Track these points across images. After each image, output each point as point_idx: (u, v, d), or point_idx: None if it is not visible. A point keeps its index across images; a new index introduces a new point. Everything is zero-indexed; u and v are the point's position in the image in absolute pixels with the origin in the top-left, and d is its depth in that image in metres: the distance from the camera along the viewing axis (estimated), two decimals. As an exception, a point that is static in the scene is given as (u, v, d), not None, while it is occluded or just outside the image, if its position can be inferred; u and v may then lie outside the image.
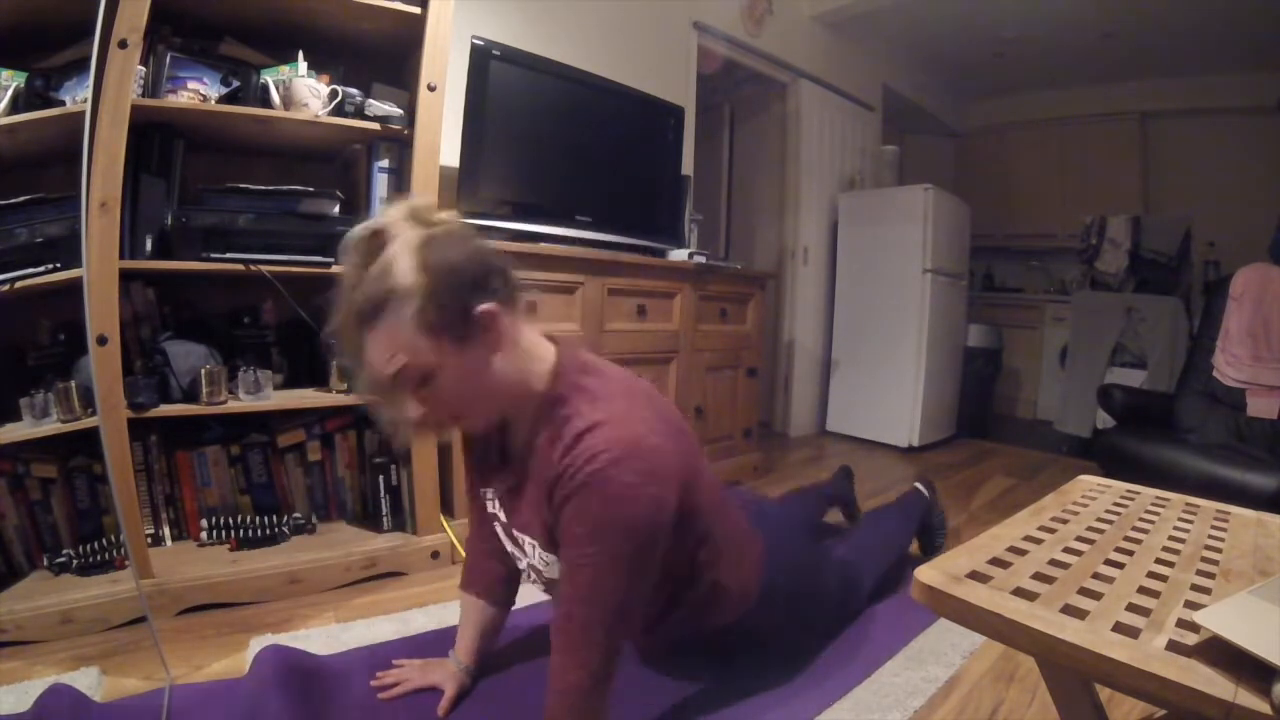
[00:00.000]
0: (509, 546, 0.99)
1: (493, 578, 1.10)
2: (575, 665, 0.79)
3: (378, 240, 0.75)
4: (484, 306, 0.77)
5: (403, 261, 0.73)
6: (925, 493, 1.76)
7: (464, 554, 1.16)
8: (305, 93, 1.44)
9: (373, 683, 1.09)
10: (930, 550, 1.71)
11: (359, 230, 0.76)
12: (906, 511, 1.66)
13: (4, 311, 1.38)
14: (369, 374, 0.77)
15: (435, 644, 1.20)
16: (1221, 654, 0.52)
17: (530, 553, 0.93)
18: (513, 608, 1.14)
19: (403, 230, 0.75)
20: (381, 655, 1.18)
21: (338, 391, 1.56)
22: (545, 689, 0.82)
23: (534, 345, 0.87)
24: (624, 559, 0.77)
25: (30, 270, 1.24)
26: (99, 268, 1.20)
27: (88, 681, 1.04)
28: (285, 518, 1.56)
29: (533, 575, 0.98)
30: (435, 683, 1.09)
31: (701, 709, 1.06)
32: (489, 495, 1.00)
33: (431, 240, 0.75)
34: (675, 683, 1.11)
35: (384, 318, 0.73)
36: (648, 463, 0.77)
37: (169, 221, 1.36)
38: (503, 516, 0.97)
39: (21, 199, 1.28)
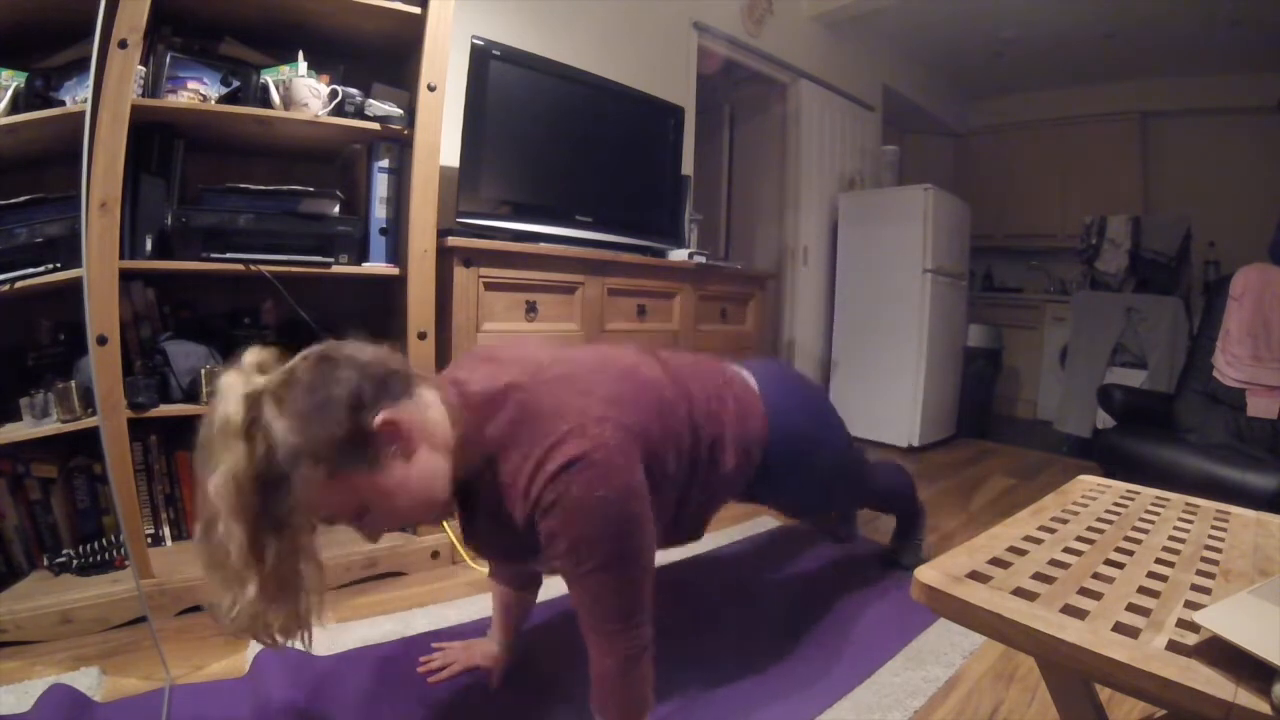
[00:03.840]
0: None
1: (515, 571, 1.13)
2: (604, 653, 0.82)
3: (239, 421, 0.65)
4: (378, 419, 0.71)
5: (276, 427, 0.65)
6: (921, 508, 1.74)
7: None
8: (305, 93, 1.44)
9: (419, 668, 1.12)
10: (892, 563, 1.68)
11: (218, 423, 0.65)
12: (909, 480, 1.72)
13: (4, 311, 1.38)
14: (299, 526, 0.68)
15: (442, 640, 1.20)
16: (1221, 654, 0.52)
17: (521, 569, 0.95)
18: (540, 588, 1.17)
19: (255, 392, 0.67)
20: (380, 655, 1.18)
21: (338, 391, 1.56)
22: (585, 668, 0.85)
23: (437, 409, 0.81)
24: (612, 561, 0.78)
25: (30, 270, 1.24)
26: (99, 268, 1.20)
27: (88, 681, 1.05)
28: (285, 518, 1.56)
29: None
30: (481, 662, 1.12)
31: (701, 709, 1.06)
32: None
33: (290, 390, 0.68)
34: (676, 683, 1.11)
35: (291, 486, 0.65)
36: (596, 467, 0.76)
37: (169, 221, 1.35)
38: (483, 554, 0.98)
39: (21, 199, 1.28)
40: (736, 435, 1.02)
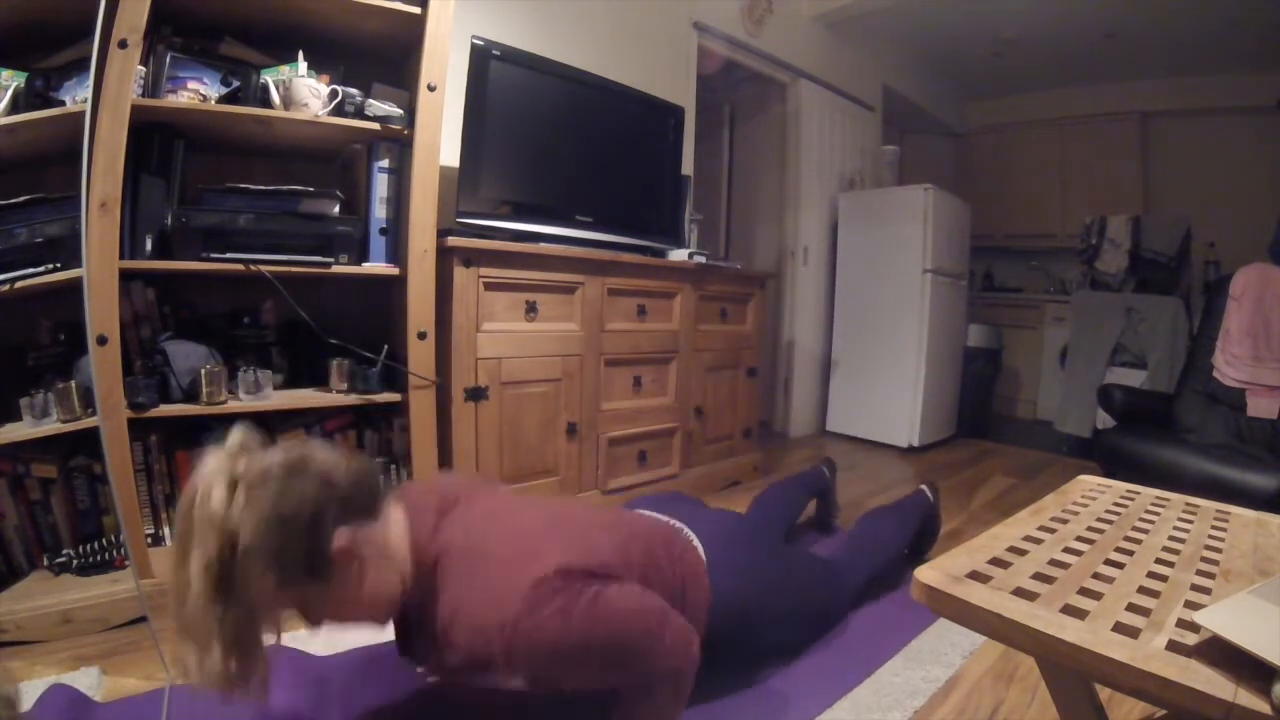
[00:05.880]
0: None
1: None
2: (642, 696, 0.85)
3: (219, 513, 0.68)
4: (335, 544, 0.73)
5: (244, 525, 0.67)
6: (929, 495, 1.76)
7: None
8: (305, 93, 1.44)
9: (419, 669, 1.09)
10: (917, 554, 1.69)
11: (199, 507, 0.68)
12: (905, 514, 1.66)
13: (4, 311, 1.38)
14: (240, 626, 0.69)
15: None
16: (1221, 654, 0.52)
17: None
18: None
19: (235, 480, 0.69)
20: (380, 655, 1.18)
21: (338, 391, 1.56)
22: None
23: (398, 532, 0.83)
24: (606, 661, 0.81)
25: (30, 270, 1.24)
26: (99, 268, 1.20)
27: (88, 681, 1.05)
28: (285, 518, 1.56)
29: None
30: None
31: (701, 708, 1.06)
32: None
33: (263, 488, 0.70)
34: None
35: (241, 584, 0.67)
36: (551, 595, 0.77)
37: (169, 221, 1.36)
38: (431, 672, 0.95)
39: (21, 199, 1.28)
40: (686, 612, 0.98)
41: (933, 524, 1.73)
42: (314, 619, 0.79)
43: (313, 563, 0.72)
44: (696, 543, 1.09)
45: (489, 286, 1.70)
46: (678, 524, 1.13)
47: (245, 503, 0.68)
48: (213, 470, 0.69)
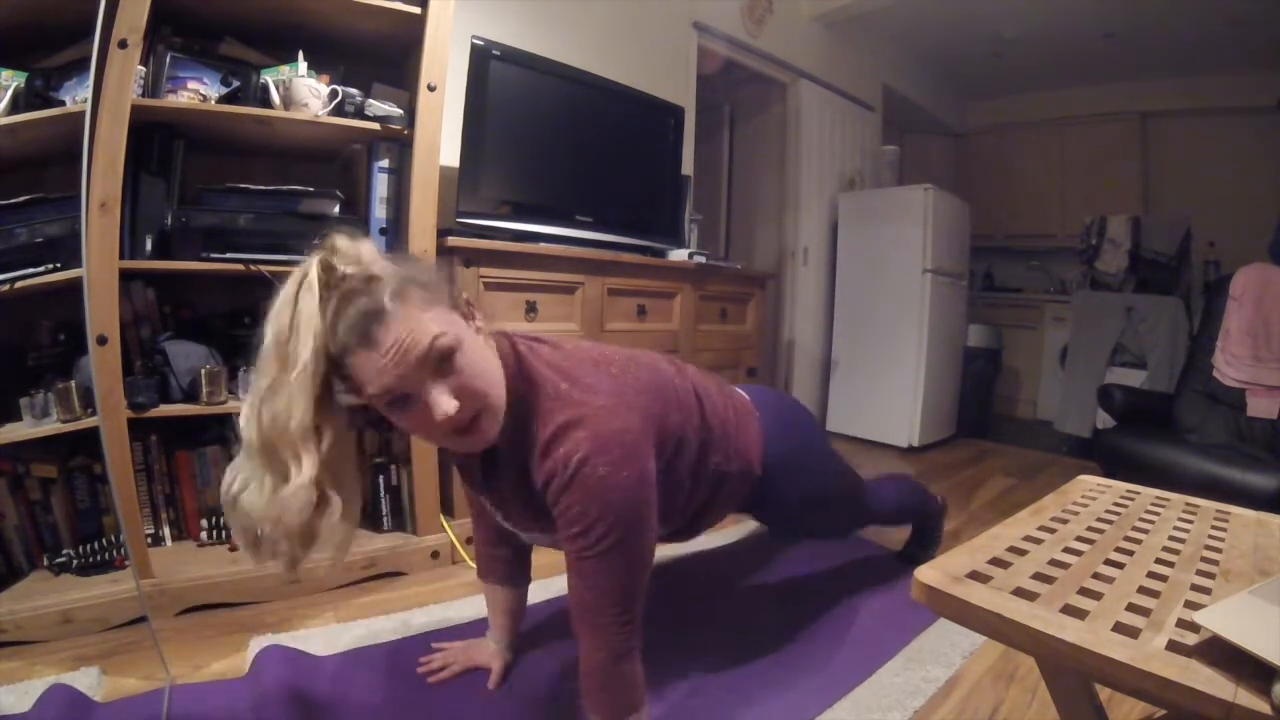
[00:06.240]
0: (513, 531, 1.02)
1: (505, 563, 1.14)
2: (596, 646, 0.84)
3: (337, 268, 0.75)
4: (465, 295, 0.81)
5: (379, 270, 0.74)
6: (940, 502, 1.75)
7: (473, 547, 1.21)
8: (305, 93, 1.44)
9: (419, 669, 1.13)
10: (909, 559, 1.68)
11: (310, 268, 0.76)
12: (920, 490, 1.68)
13: (4, 311, 1.38)
14: (393, 364, 0.71)
15: (442, 640, 1.20)
16: (1221, 654, 0.52)
17: (535, 538, 0.98)
18: (530, 583, 1.19)
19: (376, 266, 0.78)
20: (380, 655, 1.18)
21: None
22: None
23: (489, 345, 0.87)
24: (618, 545, 0.80)
25: (30, 270, 1.24)
26: (99, 268, 1.20)
27: (88, 681, 1.04)
28: (285, 518, 1.56)
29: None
30: (481, 662, 1.13)
31: (700, 708, 1.06)
32: (484, 500, 1.02)
33: (396, 261, 0.80)
34: (674, 681, 1.11)
35: (397, 307, 0.72)
36: (618, 448, 0.80)
37: (169, 221, 1.35)
38: (499, 516, 1.00)
39: (21, 199, 1.28)
40: (739, 444, 1.07)
41: (936, 524, 1.73)
42: (461, 383, 0.75)
43: (449, 288, 0.78)
44: (749, 400, 1.16)
45: (489, 286, 1.70)
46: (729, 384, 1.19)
47: (384, 264, 0.76)
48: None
